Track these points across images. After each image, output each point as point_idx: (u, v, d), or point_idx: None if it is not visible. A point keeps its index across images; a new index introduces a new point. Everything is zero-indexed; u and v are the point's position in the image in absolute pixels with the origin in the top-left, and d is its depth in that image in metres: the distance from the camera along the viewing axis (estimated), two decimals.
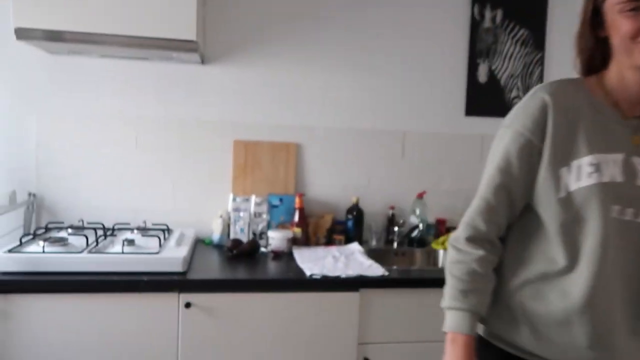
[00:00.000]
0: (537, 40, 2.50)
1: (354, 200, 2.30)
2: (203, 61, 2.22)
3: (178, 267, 1.69)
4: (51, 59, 2.12)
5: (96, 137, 2.17)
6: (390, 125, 2.42)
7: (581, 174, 1.01)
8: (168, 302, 1.66)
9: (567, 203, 1.01)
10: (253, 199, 2.18)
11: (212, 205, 2.27)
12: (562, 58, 2.53)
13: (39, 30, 1.75)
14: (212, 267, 1.83)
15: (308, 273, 1.76)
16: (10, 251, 1.65)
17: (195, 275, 1.70)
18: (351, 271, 1.80)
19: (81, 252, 1.68)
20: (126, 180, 2.21)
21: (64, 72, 2.14)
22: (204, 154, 2.26)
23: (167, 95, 2.22)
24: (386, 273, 1.80)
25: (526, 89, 2.50)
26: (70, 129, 2.15)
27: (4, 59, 2.09)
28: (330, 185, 2.38)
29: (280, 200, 2.24)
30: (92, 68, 2.16)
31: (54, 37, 1.77)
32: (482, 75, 2.46)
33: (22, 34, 1.74)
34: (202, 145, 2.25)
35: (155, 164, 2.22)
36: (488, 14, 2.44)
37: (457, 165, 2.48)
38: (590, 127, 1.03)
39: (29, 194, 2.12)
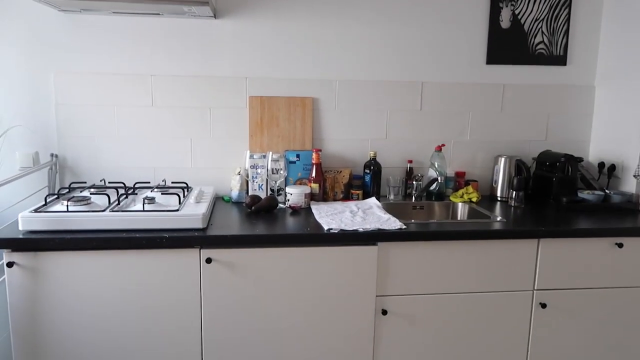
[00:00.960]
0: None
1: (371, 154, 2.27)
2: (215, 15, 2.16)
3: (198, 224, 1.73)
4: (65, 18, 2.10)
5: (113, 96, 2.17)
6: (407, 76, 2.35)
7: None
8: (189, 258, 1.70)
9: None
10: (270, 155, 2.17)
11: (230, 163, 2.29)
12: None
13: None
14: (231, 223, 1.85)
15: (326, 227, 1.77)
16: (36, 211, 1.70)
17: (215, 231, 1.73)
18: (369, 225, 1.80)
19: (104, 210, 1.72)
20: (144, 139, 2.22)
21: (78, 31, 2.12)
22: (220, 110, 2.25)
23: (180, 51, 2.19)
24: (404, 226, 1.81)
25: (552, 34, 2.38)
26: (87, 88, 2.15)
27: (18, 18, 2.07)
28: (347, 139, 2.35)
29: (298, 156, 2.23)
30: (105, 25, 2.13)
31: None
32: (505, 20, 2.35)
33: None
34: (217, 102, 2.24)
35: (172, 122, 2.23)
36: None
37: (477, 117, 2.41)
38: None
39: (52, 155, 2.16)
